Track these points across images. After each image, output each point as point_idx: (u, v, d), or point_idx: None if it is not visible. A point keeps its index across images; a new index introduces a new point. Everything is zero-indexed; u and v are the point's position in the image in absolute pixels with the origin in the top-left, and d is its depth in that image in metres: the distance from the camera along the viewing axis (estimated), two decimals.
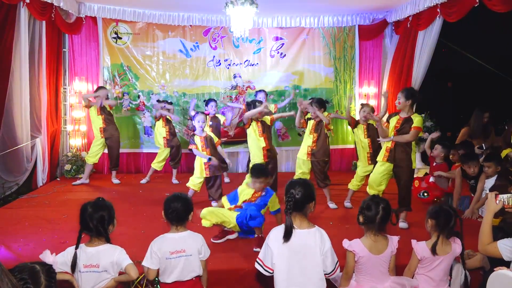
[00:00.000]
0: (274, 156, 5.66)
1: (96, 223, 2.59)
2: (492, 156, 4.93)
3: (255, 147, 5.49)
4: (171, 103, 6.95)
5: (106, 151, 6.73)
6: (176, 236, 2.84)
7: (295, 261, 2.56)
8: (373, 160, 5.43)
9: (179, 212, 2.83)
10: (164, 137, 6.66)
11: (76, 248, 2.60)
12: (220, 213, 3.97)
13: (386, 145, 4.64)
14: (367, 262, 2.77)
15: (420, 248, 2.91)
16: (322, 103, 5.39)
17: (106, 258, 2.59)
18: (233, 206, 4.02)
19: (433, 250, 2.84)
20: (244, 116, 5.54)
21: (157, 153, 6.85)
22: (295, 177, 5.33)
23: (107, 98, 6.54)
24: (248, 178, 4.23)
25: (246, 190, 4.03)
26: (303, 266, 2.56)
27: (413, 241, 2.95)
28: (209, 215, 3.95)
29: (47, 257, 2.43)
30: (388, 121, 4.71)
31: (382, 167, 4.70)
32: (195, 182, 5.30)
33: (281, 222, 3.41)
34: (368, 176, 5.56)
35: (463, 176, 5.05)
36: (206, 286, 2.96)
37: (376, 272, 2.80)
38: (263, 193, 3.95)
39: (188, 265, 2.80)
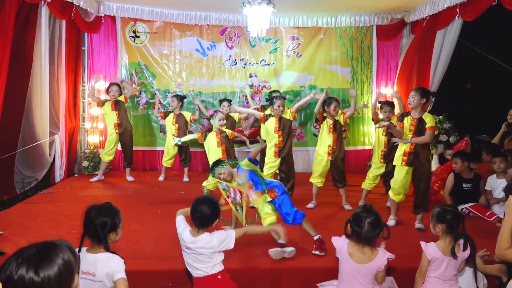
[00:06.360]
0: (287, 156, 5.47)
1: (96, 228, 2.45)
2: (503, 152, 4.95)
3: (268, 142, 5.44)
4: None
5: (119, 147, 6.79)
6: (193, 237, 2.83)
7: None
8: (386, 158, 5.40)
9: (205, 215, 2.78)
10: (173, 134, 6.63)
11: (79, 251, 2.44)
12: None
13: (403, 148, 4.47)
14: (345, 266, 2.77)
15: (430, 249, 2.84)
16: (338, 102, 5.35)
17: (102, 268, 2.40)
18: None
19: (453, 254, 2.77)
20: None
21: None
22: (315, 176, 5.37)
23: (120, 94, 6.57)
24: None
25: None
26: None
27: (422, 243, 2.89)
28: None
29: None
30: (402, 120, 4.54)
31: (403, 171, 4.52)
32: (210, 181, 5.19)
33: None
34: (381, 176, 5.54)
35: (457, 181, 4.99)
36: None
37: (353, 281, 2.74)
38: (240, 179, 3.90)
39: (198, 262, 2.79)
